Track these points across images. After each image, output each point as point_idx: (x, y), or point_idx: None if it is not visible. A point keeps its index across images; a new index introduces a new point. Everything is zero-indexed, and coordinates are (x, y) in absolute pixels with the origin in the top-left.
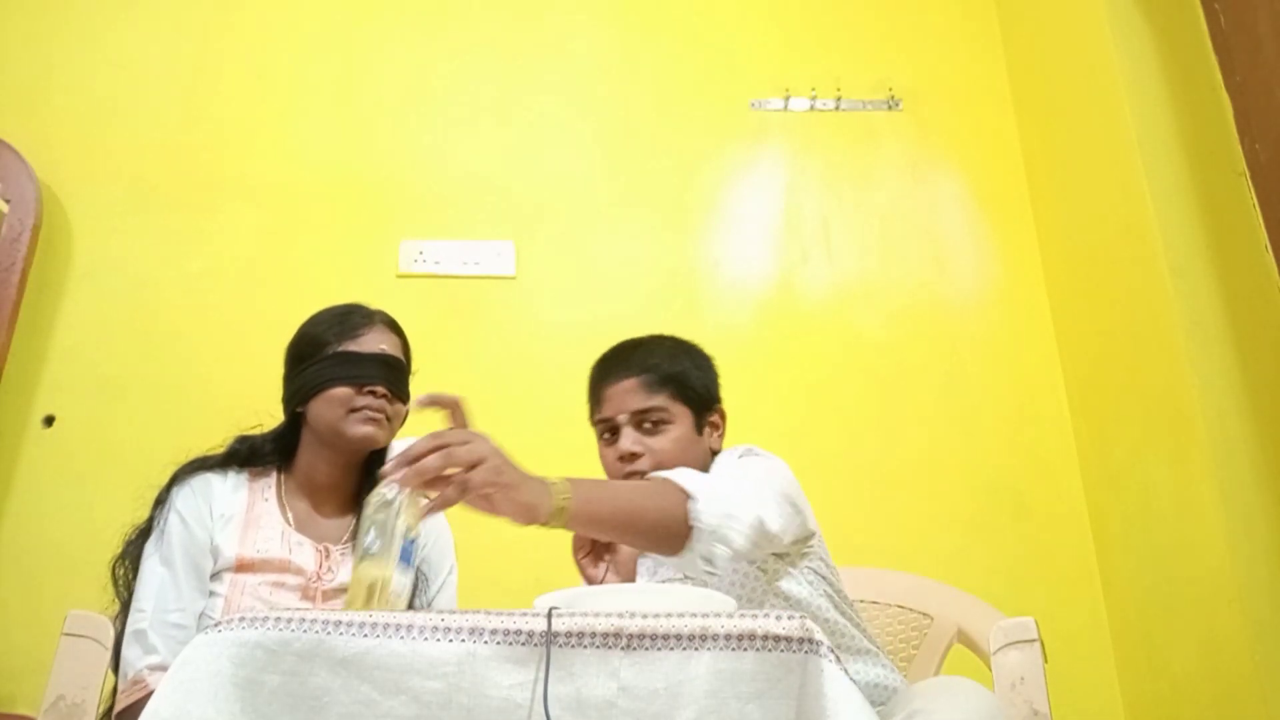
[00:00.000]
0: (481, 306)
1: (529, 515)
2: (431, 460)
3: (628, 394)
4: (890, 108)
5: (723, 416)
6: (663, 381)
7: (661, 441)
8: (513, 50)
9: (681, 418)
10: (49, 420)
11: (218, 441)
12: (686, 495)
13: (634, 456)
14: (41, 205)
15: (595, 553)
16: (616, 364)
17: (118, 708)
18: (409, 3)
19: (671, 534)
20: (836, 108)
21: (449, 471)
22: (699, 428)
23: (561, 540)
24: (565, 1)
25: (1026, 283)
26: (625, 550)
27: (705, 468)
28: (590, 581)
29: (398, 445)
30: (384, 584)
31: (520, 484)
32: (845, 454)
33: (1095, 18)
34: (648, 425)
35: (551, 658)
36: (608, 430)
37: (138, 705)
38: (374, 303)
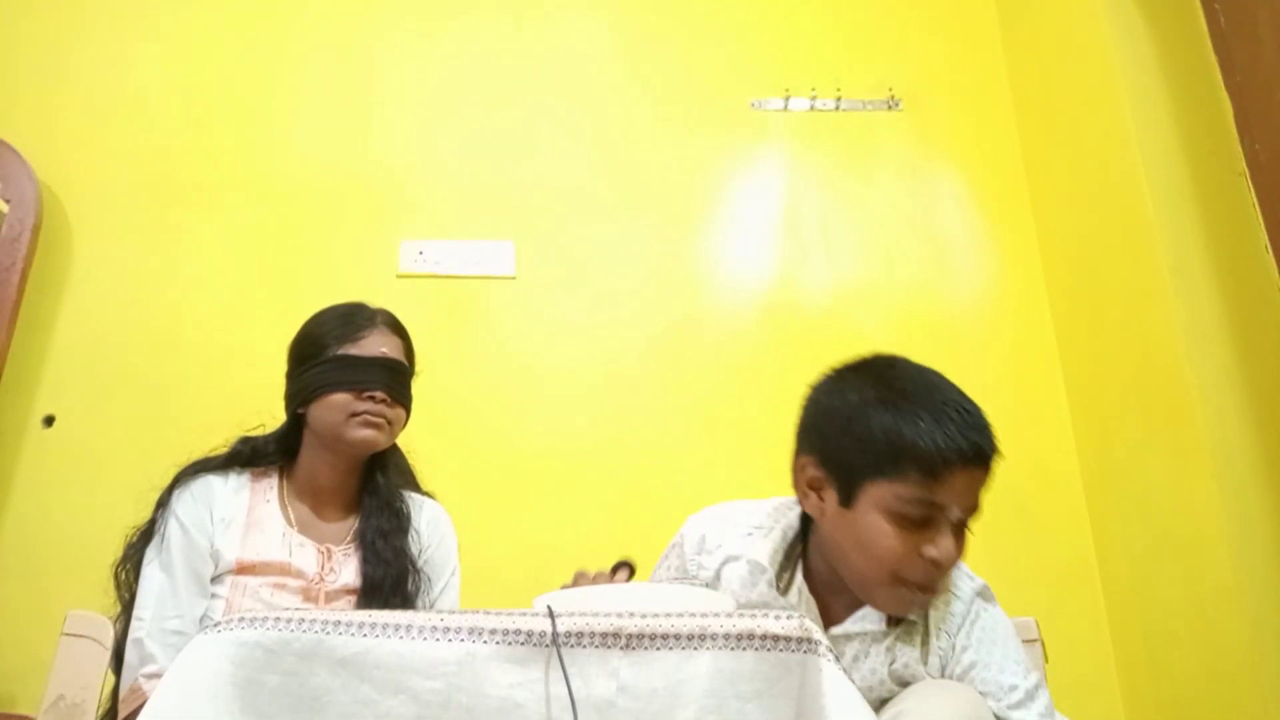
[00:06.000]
0: (481, 306)
1: None
2: None
3: (976, 488)
4: (890, 108)
5: None
6: None
7: (963, 547)
8: (513, 50)
9: None
10: (49, 420)
11: (218, 442)
12: None
13: (950, 565)
14: (41, 205)
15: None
16: (980, 448)
17: (119, 716)
18: (409, 3)
19: None
20: (836, 108)
21: None
22: None
23: (560, 540)
24: (565, 2)
25: (1026, 283)
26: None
27: None
28: None
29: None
30: None
31: None
32: None
33: (1095, 18)
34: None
35: (552, 657)
36: (930, 515)
37: (136, 714)
38: (374, 303)
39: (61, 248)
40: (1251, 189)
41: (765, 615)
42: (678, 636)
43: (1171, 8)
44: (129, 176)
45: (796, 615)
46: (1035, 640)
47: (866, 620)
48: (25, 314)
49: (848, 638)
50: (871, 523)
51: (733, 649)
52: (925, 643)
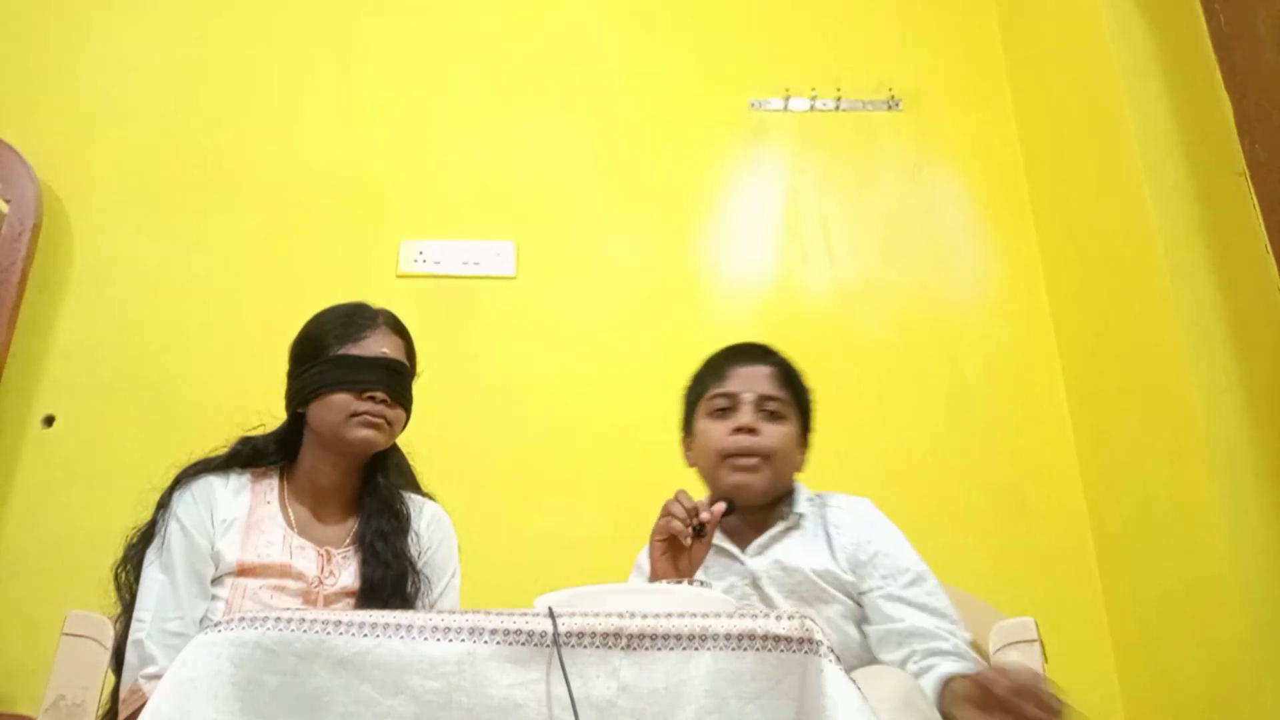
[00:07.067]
0: (481, 306)
1: None
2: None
3: (759, 378)
4: (890, 108)
5: (809, 447)
6: (790, 381)
7: (778, 431)
8: (513, 50)
9: (794, 421)
10: (49, 420)
11: (218, 442)
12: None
13: (752, 431)
14: (41, 205)
15: (672, 552)
16: (751, 351)
17: (120, 717)
18: (409, 3)
19: None
20: (836, 108)
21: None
22: (800, 441)
23: (560, 540)
24: (565, 2)
25: (1026, 283)
26: (700, 554)
27: (791, 478)
28: (652, 566)
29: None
30: None
31: None
32: (845, 454)
33: (1095, 18)
34: (766, 412)
35: (553, 658)
36: (726, 405)
37: (136, 715)
38: (374, 303)
39: (61, 248)
40: (1251, 189)
41: (766, 615)
42: (678, 637)
43: (1171, 8)
44: (129, 176)
45: (798, 616)
46: (1034, 640)
47: (770, 532)
48: (25, 314)
49: (762, 546)
50: (703, 429)
51: (733, 649)
52: (830, 545)
